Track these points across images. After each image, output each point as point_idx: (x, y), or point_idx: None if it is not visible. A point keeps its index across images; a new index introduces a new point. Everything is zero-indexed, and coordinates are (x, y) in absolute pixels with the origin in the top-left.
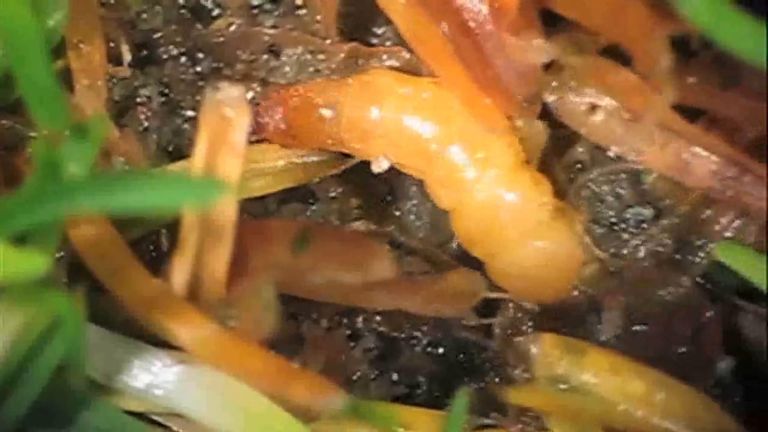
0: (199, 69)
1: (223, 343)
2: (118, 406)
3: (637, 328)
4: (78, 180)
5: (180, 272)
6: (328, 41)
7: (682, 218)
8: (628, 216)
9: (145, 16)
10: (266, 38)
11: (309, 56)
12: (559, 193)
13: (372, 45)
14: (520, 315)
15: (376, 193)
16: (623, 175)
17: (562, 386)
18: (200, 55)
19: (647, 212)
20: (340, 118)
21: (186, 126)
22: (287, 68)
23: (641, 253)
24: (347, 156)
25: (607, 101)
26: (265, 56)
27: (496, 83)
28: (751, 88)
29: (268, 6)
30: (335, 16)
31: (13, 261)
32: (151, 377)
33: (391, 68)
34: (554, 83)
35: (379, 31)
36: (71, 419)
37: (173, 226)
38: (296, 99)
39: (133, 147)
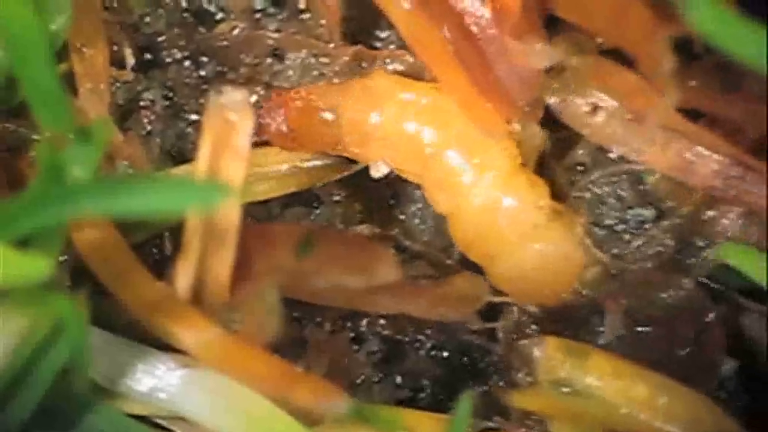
0: (202, 73)
1: (226, 346)
2: (121, 409)
3: (640, 330)
4: (81, 183)
5: (183, 276)
6: (332, 45)
7: (684, 219)
8: (629, 217)
9: (148, 19)
10: (270, 42)
11: (313, 60)
12: (560, 196)
13: (375, 49)
14: (523, 318)
15: (380, 197)
16: (625, 177)
17: (565, 389)
18: (204, 59)
19: (649, 213)
20: (341, 121)
21: (189, 130)
22: (291, 72)
23: (643, 255)
24: (351, 161)
25: (608, 102)
26: (269, 60)
27: (497, 87)
28: (752, 92)
29: (271, 10)
30: (339, 19)
31: (16, 264)
32: (155, 381)
33: (395, 72)
34: (555, 85)
35: (383, 34)
36: (74, 422)
37: (177, 230)
38: (298, 102)
39: (136, 150)
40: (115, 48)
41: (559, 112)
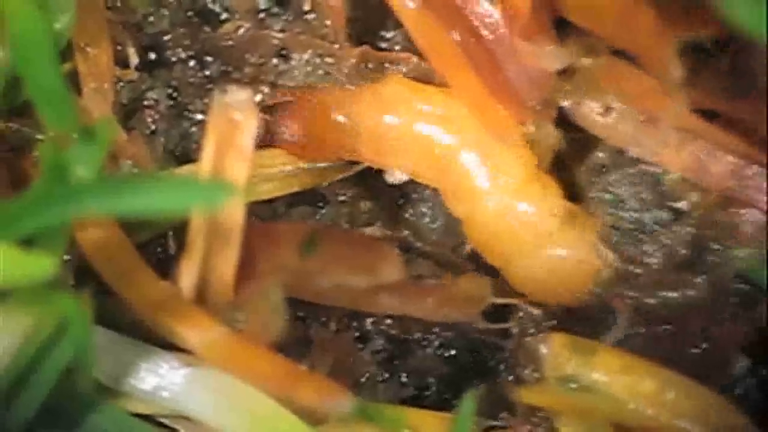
0: (207, 72)
1: (230, 345)
2: (125, 408)
3: (654, 328)
4: (85, 183)
5: (188, 275)
6: (337, 46)
7: (701, 220)
8: (647, 219)
9: (152, 19)
10: (275, 42)
11: (318, 60)
12: (577, 198)
13: (381, 49)
14: (533, 314)
15: (388, 196)
16: (643, 178)
17: (572, 386)
18: (208, 59)
19: (666, 215)
20: (359, 129)
21: (194, 129)
22: (296, 72)
23: (660, 256)
24: (355, 162)
25: (620, 103)
26: (274, 60)
27: (507, 89)
28: (765, 92)
29: (275, 10)
30: (343, 20)
31: (20, 264)
32: (159, 380)
33: (401, 75)
34: (568, 87)
35: (388, 35)
36: (78, 422)
37: (181, 229)
38: (311, 110)
39: (140, 150)
40: (119, 47)
41: (572, 114)
